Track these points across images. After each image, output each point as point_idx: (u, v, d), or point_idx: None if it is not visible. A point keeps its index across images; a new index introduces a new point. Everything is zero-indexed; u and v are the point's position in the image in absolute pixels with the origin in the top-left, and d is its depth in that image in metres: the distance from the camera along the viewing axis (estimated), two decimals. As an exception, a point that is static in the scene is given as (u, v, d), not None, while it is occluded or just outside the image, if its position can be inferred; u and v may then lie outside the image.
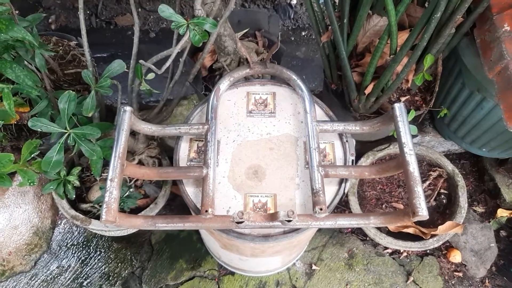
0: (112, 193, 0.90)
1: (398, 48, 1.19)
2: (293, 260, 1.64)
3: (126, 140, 0.97)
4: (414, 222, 1.53)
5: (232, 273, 1.67)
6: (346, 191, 1.07)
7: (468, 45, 1.31)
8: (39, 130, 1.15)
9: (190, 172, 1.03)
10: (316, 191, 0.99)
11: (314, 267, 1.69)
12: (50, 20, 2.41)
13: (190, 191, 1.06)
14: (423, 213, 0.86)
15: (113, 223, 0.90)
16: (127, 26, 2.44)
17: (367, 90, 1.32)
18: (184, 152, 1.12)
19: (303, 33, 2.61)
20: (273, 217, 0.93)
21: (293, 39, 2.60)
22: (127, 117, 0.99)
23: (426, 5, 1.33)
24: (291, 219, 0.91)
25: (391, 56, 1.23)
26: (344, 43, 1.28)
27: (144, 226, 0.96)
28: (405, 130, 0.97)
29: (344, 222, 0.95)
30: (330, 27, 1.27)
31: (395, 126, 0.99)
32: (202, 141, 1.12)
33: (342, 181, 1.07)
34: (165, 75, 1.45)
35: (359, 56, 1.40)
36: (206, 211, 0.97)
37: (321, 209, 0.95)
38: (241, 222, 0.91)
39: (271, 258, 1.38)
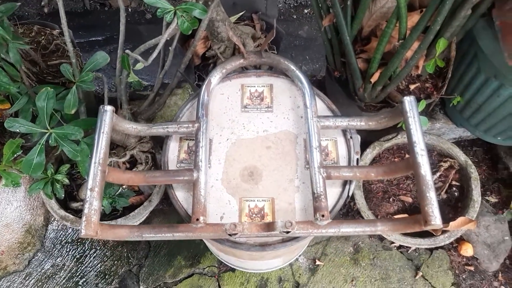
0: (92, 204, 0.82)
1: (408, 32, 1.08)
2: (295, 257, 1.56)
3: (107, 144, 0.88)
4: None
5: (233, 270, 1.61)
6: (350, 193, 0.98)
7: (485, 27, 1.19)
8: (17, 131, 1.06)
9: (179, 176, 0.94)
10: (317, 195, 0.90)
11: (318, 262, 1.62)
12: (42, 3, 2.28)
13: (181, 196, 0.98)
14: (436, 222, 0.79)
15: (94, 237, 0.82)
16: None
17: (373, 78, 1.21)
18: (174, 153, 1.03)
19: (306, 11, 2.50)
20: (270, 227, 0.84)
21: (295, 17, 2.49)
22: (108, 118, 0.90)
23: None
24: (289, 230, 0.83)
25: (400, 41, 1.11)
26: (348, 27, 1.17)
27: (130, 237, 0.88)
28: (416, 128, 0.88)
29: (348, 229, 0.87)
30: (332, 9, 1.15)
31: (405, 122, 0.90)
32: (193, 140, 1.02)
33: (346, 182, 0.98)
34: (158, 63, 1.36)
35: (364, 41, 1.28)
36: (197, 219, 0.89)
37: (323, 216, 0.87)
38: (235, 234, 0.83)
39: (271, 260, 1.31)
